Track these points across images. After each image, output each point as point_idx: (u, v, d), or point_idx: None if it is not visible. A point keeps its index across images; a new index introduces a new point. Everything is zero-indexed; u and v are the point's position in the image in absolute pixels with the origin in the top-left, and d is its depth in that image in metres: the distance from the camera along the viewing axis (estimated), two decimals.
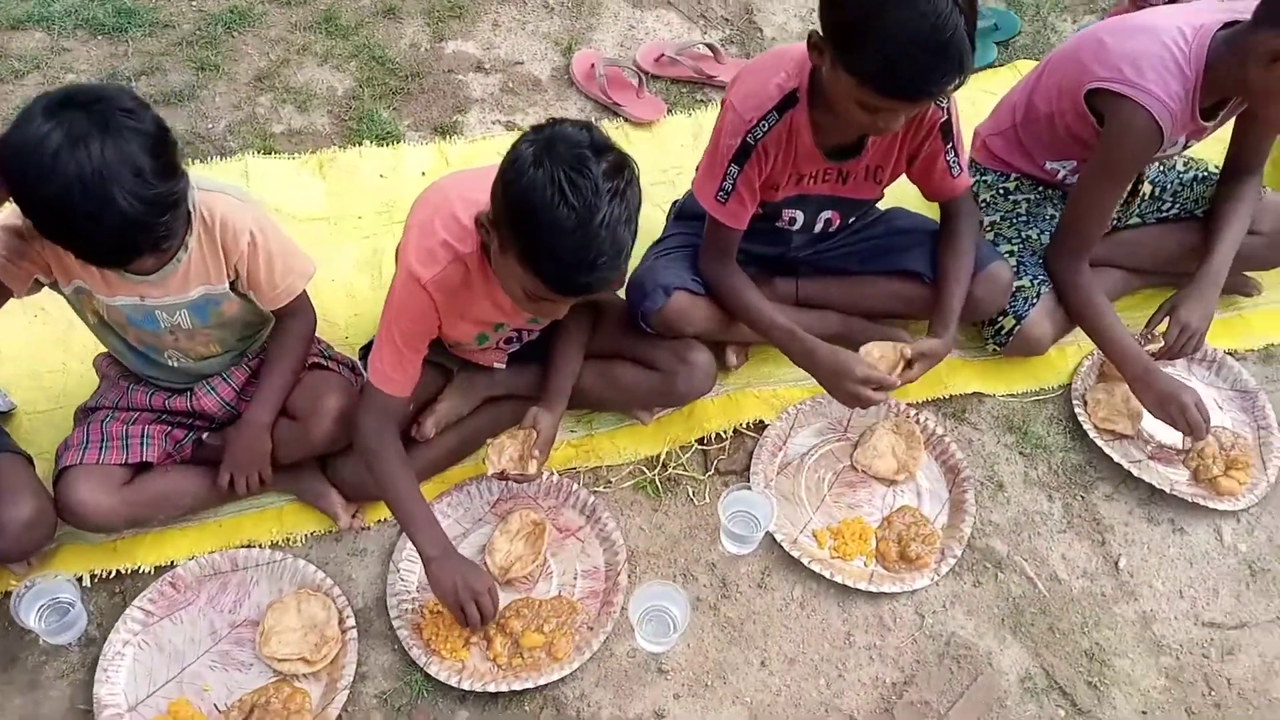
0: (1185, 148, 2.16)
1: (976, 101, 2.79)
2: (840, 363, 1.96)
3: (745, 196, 1.96)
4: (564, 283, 1.57)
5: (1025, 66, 2.93)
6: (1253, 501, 2.16)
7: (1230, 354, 2.40)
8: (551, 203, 1.49)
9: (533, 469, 1.95)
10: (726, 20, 3.05)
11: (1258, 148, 2.24)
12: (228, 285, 1.81)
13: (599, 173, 1.50)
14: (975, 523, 2.10)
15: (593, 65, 2.80)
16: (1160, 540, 2.12)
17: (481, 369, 2.11)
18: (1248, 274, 2.48)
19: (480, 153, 2.68)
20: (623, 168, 1.55)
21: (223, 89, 2.76)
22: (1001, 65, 2.95)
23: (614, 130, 2.73)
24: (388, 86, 2.81)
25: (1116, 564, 2.07)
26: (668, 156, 2.69)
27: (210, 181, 1.78)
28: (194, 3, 2.96)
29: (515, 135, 2.72)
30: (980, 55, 2.92)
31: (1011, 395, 2.31)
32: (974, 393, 2.30)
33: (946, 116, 1.95)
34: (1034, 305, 2.24)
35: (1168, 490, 2.13)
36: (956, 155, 2.02)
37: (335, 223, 2.52)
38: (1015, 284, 2.24)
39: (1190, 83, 1.95)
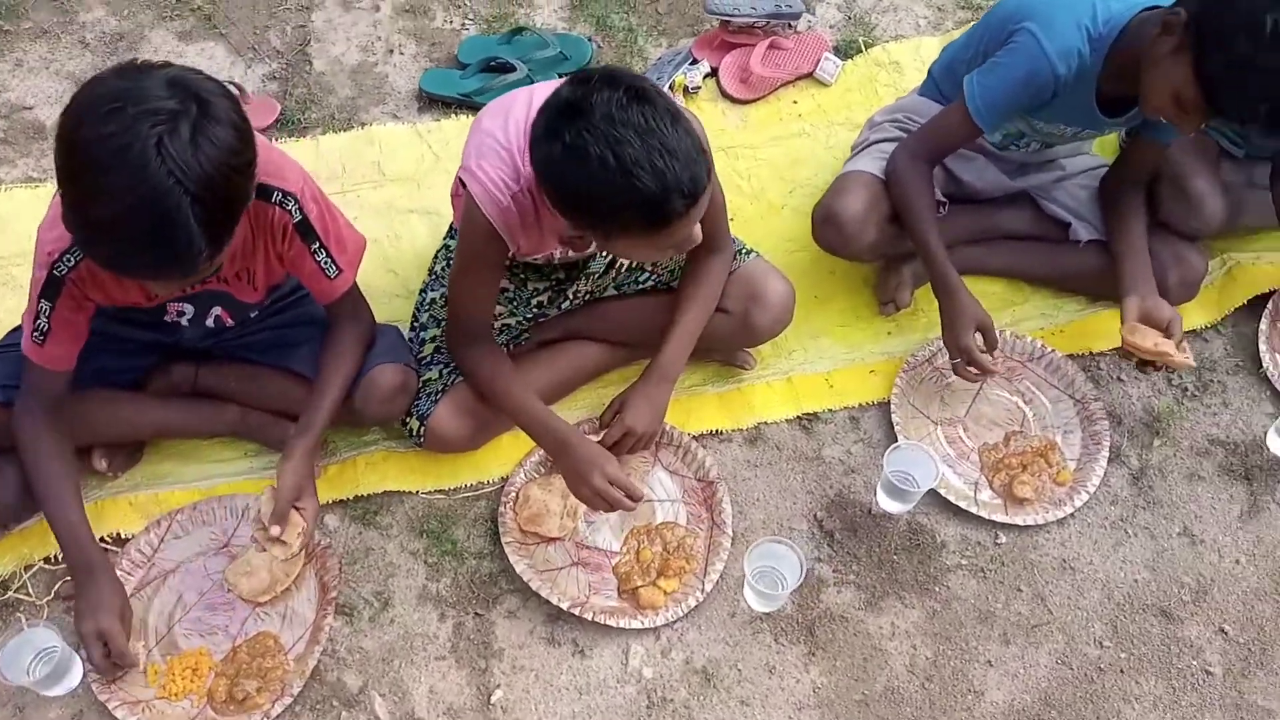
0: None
1: None
2: None
3: (65, 336, 1.70)
4: None
5: None
6: (677, 615, 1.91)
7: (717, 433, 2.16)
8: None
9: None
10: (279, 53, 2.77)
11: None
12: None
13: None
14: (340, 650, 1.87)
15: None
16: (555, 666, 1.88)
17: None
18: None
19: None
20: None
21: None
22: None
23: None
24: None
25: (489, 698, 1.84)
26: None
27: None
28: None
29: None
30: None
31: (441, 492, 2.06)
32: (387, 491, 2.05)
33: (301, 217, 1.70)
34: (437, 400, 1.98)
35: (565, 608, 1.89)
36: (330, 256, 1.77)
37: None
38: (424, 378, 2.00)
39: (528, 182, 1.68)
